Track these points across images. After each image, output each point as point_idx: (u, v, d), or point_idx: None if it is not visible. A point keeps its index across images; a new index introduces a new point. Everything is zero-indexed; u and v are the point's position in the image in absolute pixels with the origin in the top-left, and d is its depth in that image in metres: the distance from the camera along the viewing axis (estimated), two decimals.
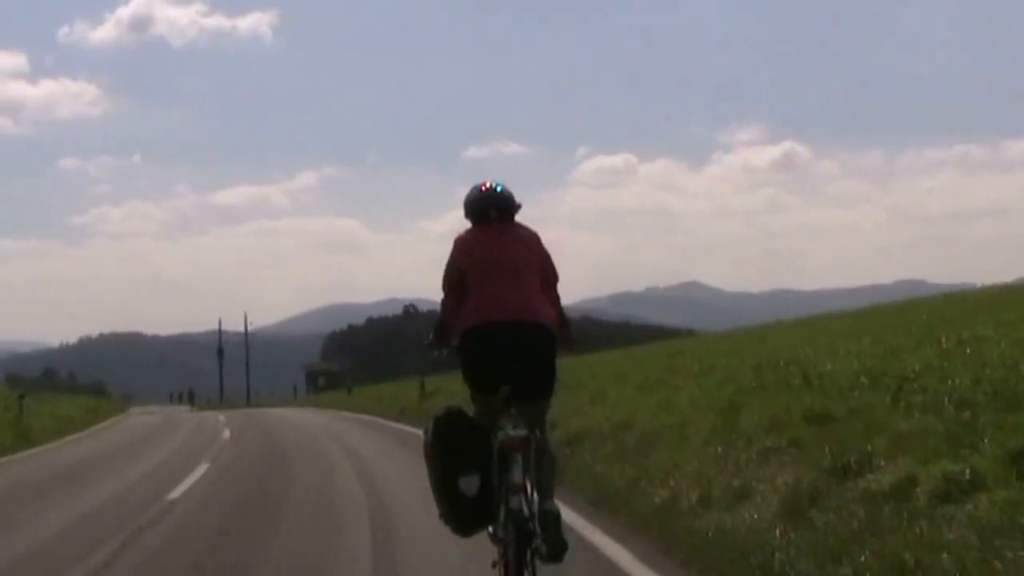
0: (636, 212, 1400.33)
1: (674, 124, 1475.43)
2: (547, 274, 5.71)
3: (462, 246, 5.70)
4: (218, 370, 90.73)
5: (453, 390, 26.92)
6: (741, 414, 10.62)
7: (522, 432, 5.21)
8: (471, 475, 5.18)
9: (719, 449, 9.53)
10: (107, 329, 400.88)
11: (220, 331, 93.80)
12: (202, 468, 14.64)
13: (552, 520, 5.26)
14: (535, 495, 5.34)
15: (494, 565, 5.29)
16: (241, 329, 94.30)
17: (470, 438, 5.27)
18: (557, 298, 5.77)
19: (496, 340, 5.41)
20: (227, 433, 23.86)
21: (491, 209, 5.69)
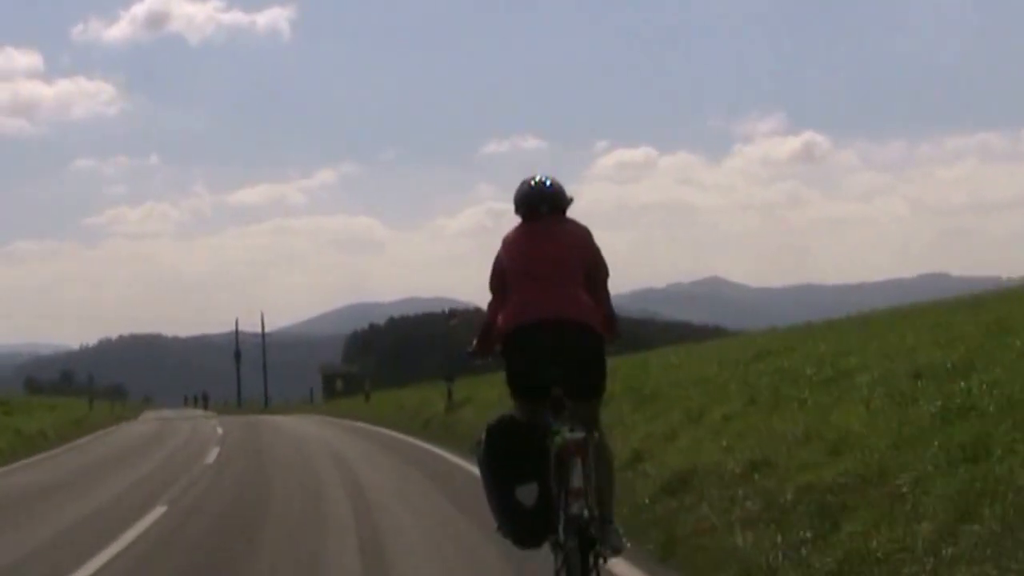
0: (656, 206, 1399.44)
1: (693, 116, 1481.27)
2: (596, 270, 5.57)
3: (508, 245, 5.63)
4: (237, 372, 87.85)
5: (486, 398, 22.60)
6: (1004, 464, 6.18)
7: (580, 435, 5.03)
8: (529, 484, 5.02)
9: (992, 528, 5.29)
10: (127, 331, 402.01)
11: (236, 332, 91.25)
12: (151, 517, 10.52)
13: (616, 541, 5.19)
14: (596, 508, 5.10)
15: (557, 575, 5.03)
16: (260, 330, 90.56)
17: (525, 446, 5.09)
18: (607, 295, 5.62)
19: (536, 340, 5.29)
20: (214, 454, 19.63)
21: (541, 204, 5.61)
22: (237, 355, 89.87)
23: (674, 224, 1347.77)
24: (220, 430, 29.46)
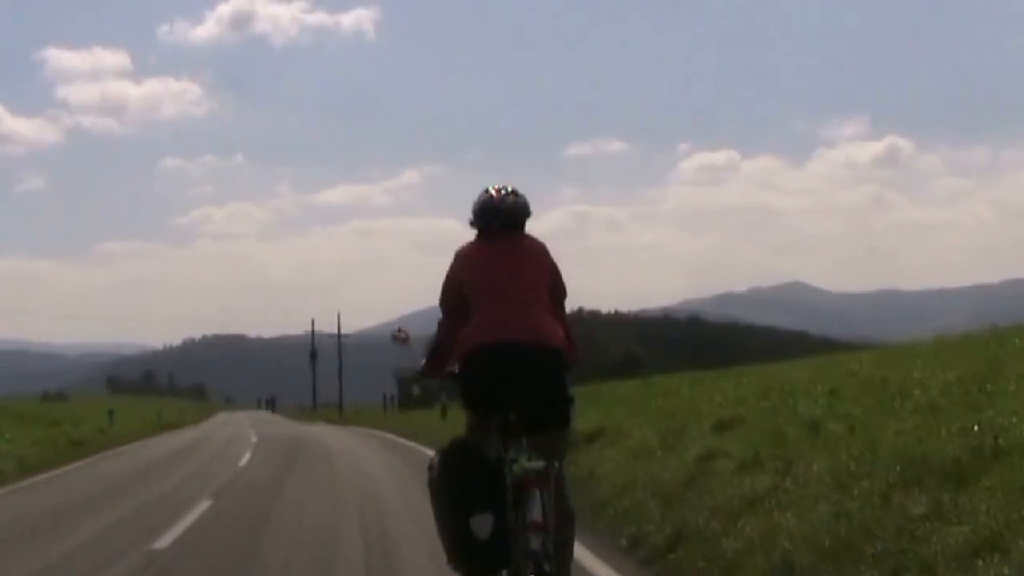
0: (737, 210, 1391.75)
1: (776, 120, 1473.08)
2: (556, 290, 5.29)
3: (463, 260, 5.29)
4: (319, 373, 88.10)
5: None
6: None
7: (539, 464, 4.74)
8: (484, 514, 4.67)
9: None
10: (210, 331, 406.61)
11: (313, 333, 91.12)
12: None
13: None
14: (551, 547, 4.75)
15: None
16: (343, 330, 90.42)
17: (482, 473, 4.78)
18: (564, 315, 5.36)
19: (501, 363, 4.95)
20: (199, 508, 11.15)
21: (495, 220, 5.25)
22: (313, 356, 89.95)
23: (755, 228, 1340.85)
24: (245, 457, 21.06)
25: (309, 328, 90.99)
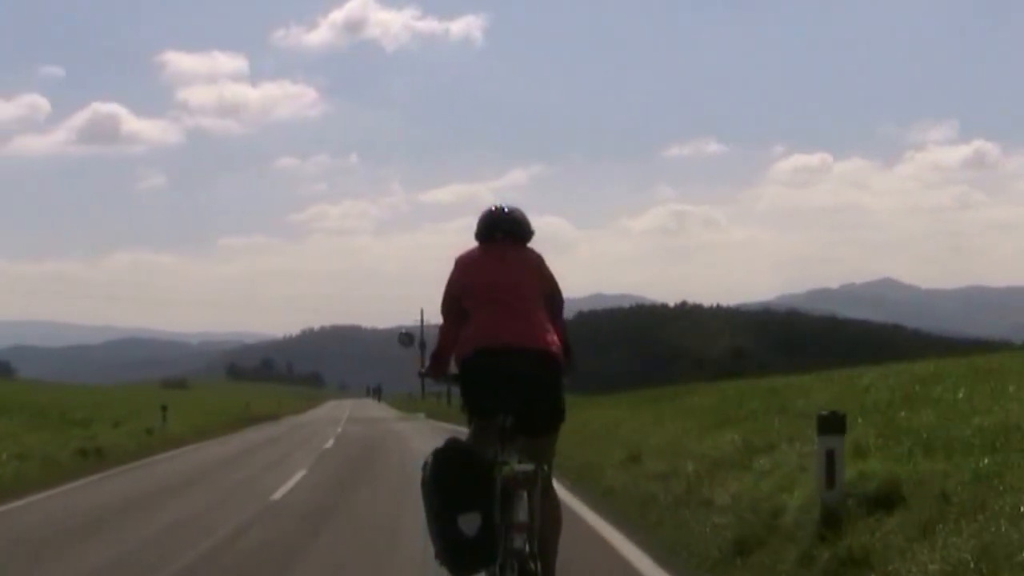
0: (830, 210, 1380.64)
1: (867, 123, 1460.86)
2: (553, 298, 5.52)
3: (462, 267, 5.55)
4: (422, 364, 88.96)
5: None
6: None
7: (528, 467, 4.92)
8: (471, 513, 4.85)
9: None
10: (327, 322, 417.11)
11: (421, 323, 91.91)
12: None
13: None
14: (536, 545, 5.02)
15: None
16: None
17: (471, 473, 4.93)
18: (563, 323, 5.53)
19: (497, 367, 5.17)
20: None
21: (497, 231, 5.56)
22: (421, 346, 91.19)
23: (847, 227, 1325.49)
24: (301, 468, 17.45)
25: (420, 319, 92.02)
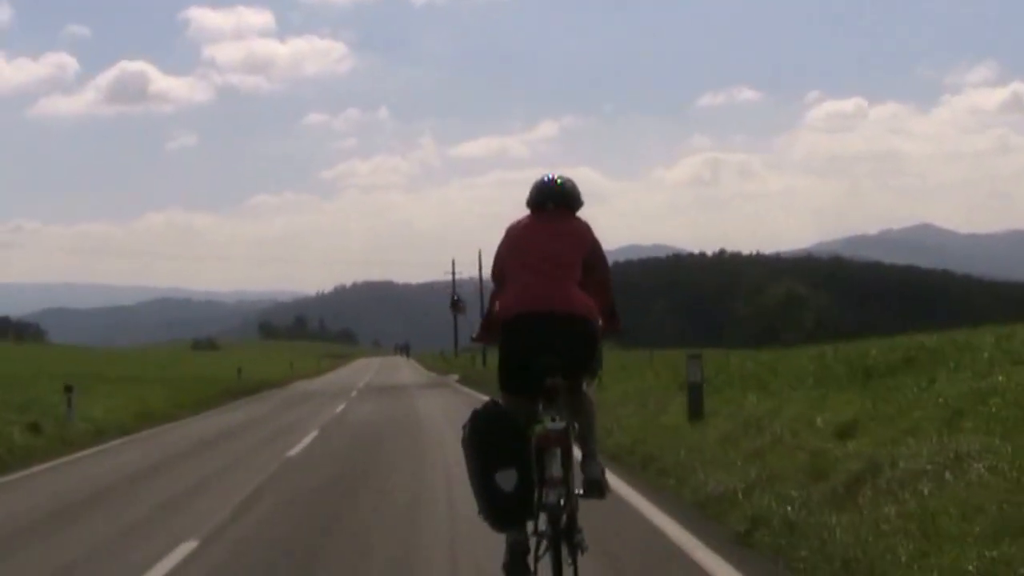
0: (867, 156, 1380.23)
1: (903, 66, 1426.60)
2: (595, 267, 5.64)
3: (509, 236, 5.75)
4: (464, 318, 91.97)
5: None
6: None
7: (560, 425, 5.14)
8: (508, 470, 5.09)
9: None
10: (360, 278, 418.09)
11: (453, 277, 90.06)
12: None
13: (596, 489, 5.41)
14: (580, 455, 5.46)
15: (504, 567, 5.15)
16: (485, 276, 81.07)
17: (507, 433, 5.19)
18: (607, 290, 5.69)
19: (528, 329, 5.35)
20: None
21: (548, 200, 5.73)
22: (454, 303, 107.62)
23: (883, 172, 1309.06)
24: (319, 424, 17.59)
25: (457, 274, 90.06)
